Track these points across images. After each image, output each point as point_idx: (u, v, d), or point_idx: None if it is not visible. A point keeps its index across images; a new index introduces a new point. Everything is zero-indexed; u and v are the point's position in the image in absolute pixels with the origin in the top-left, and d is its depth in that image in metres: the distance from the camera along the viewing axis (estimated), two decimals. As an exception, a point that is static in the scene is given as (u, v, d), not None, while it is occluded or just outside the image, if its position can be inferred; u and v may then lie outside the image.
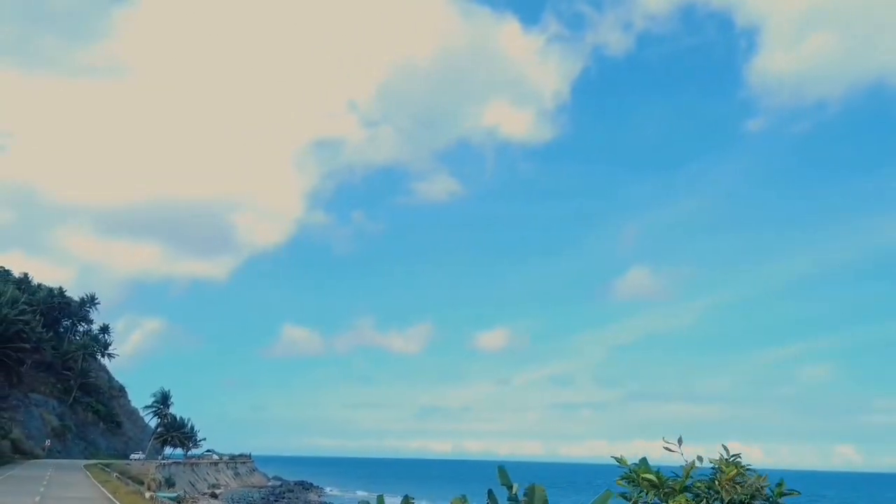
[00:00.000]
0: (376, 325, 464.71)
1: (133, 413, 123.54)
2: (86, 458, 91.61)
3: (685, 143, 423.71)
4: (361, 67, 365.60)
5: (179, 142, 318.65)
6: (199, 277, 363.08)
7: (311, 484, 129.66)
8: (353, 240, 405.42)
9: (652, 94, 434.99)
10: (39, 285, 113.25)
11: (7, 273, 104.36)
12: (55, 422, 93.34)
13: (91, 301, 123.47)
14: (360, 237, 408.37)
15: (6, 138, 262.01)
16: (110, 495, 31.91)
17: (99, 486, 39.73)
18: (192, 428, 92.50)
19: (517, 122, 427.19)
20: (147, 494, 28.05)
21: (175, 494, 65.48)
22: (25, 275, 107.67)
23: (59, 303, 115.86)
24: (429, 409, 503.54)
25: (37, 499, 28.56)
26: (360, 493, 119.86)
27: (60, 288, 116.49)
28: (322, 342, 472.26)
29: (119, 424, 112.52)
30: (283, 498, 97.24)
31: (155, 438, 79.71)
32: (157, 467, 77.81)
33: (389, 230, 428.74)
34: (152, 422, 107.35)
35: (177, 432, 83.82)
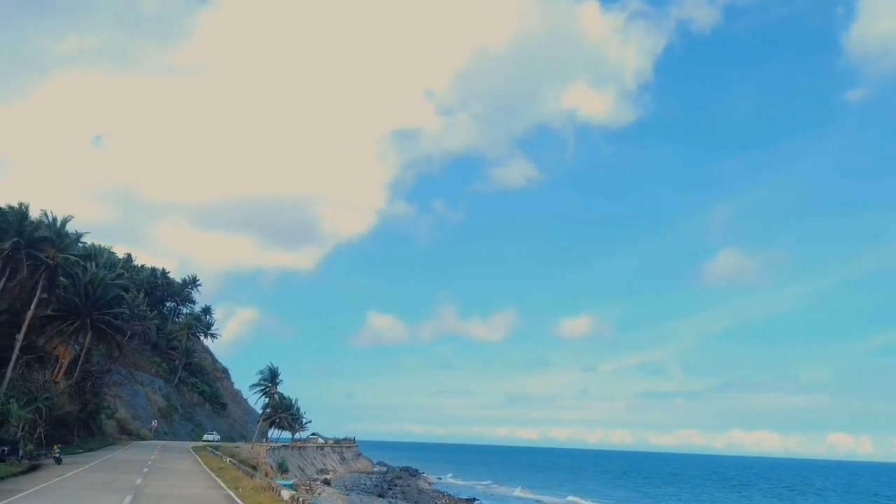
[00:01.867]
0: (459, 313, 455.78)
1: (236, 395, 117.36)
2: (192, 439, 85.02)
3: (778, 118, 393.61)
4: (437, 55, 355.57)
5: (265, 138, 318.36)
6: (287, 268, 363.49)
7: (417, 470, 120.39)
8: (433, 228, 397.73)
9: (741, 69, 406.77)
10: (142, 266, 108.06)
11: (111, 253, 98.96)
12: (161, 402, 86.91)
13: (193, 282, 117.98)
14: (440, 226, 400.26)
15: (105, 139, 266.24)
16: (231, 492, 21.63)
17: (212, 475, 29.96)
18: (299, 410, 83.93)
19: (597, 104, 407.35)
20: (286, 495, 17.41)
21: (290, 482, 56.42)
22: (129, 255, 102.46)
23: (162, 283, 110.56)
24: (514, 396, 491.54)
25: (128, 499, 18.40)
26: (473, 482, 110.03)
27: (163, 269, 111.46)
28: (406, 330, 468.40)
29: (224, 406, 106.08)
30: (395, 486, 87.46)
31: (263, 420, 71.29)
32: (267, 451, 69.53)
33: (469, 218, 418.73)
34: (257, 405, 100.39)
35: (285, 413, 75.28)
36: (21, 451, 35.02)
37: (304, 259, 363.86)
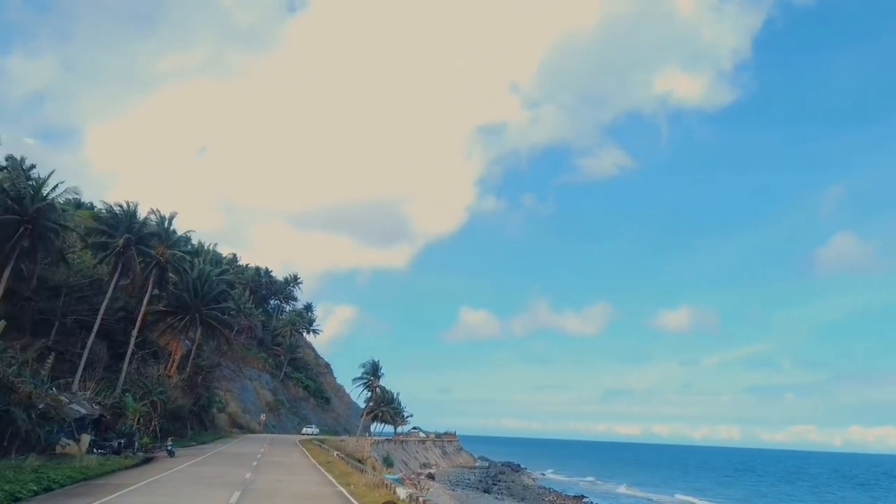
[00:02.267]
0: (552, 307, 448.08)
1: (339, 390, 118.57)
2: (299, 433, 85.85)
3: (889, 92, 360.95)
4: (521, 47, 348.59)
5: (356, 141, 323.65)
6: (381, 267, 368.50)
7: (519, 465, 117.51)
8: (523, 222, 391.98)
9: (847, 42, 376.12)
10: (247, 265, 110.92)
11: (215, 251, 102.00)
12: (269, 396, 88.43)
13: (294, 280, 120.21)
14: (530, 219, 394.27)
15: (209, 148, 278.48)
16: (343, 489, 19.70)
17: (321, 469, 28.42)
18: (400, 404, 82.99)
19: (691, 87, 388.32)
20: (403, 493, 15.13)
21: (397, 476, 54.93)
22: (234, 255, 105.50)
23: (266, 281, 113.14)
24: (613, 390, 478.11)
25: (235, 496, 16.70)
26: (575, 478, 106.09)
27: (266, 268, 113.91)
28: (499, 325, 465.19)
29: (328, 400, 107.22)
30: (499, 481, 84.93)
31: (367, 414, 70.68)
32: (371, 445, 68.85)
33: (559, 210, 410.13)
34: (359, 399, 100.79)
35: (387, 407, 74.42)
36: (137, 444, 35.06)
37: (396, 257, 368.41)
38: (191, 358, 54.01)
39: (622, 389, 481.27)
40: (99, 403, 35.78)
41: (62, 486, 17.57)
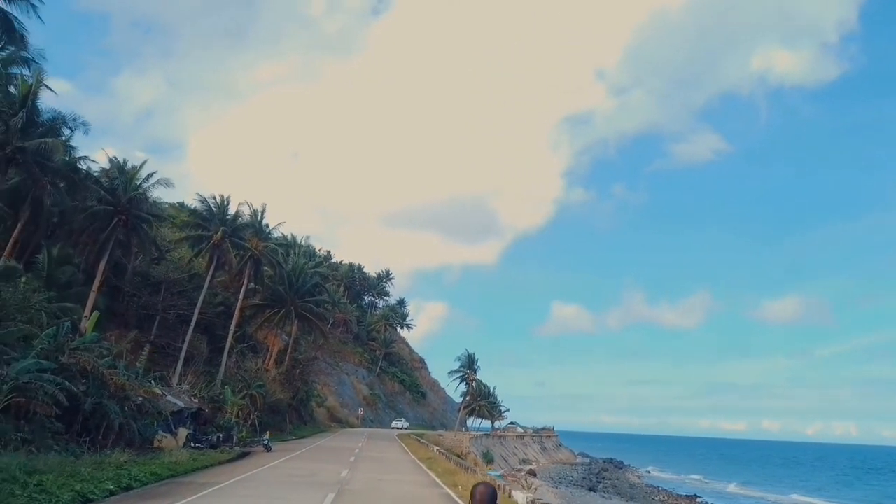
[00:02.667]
0: (647, 299, 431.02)
1: (434, 384, 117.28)
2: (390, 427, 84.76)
3: None
4: (606, 31, 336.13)
5: (440, 137, 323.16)
6: (470, 263, 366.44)
7: (622, 462, 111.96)
8: (614, 213, 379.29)
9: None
10: (340, 262, 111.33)
11: (310, 247, 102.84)
12: (366, 390, 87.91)
13: (386, 276, 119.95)
14: (621, 209, 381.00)
15: (301, 153, 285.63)
16: (450, 490, 16.98)
17: (423, 466, 25.92)
18: (496, 398, 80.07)
19: (792, 63, 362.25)
20: (522, 499, 12.05)
21: (499, 473, 52.14)
22: (328, 252, 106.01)
23: (359, 278, 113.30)
24: (715, 385, 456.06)
25: (329, 498, 14.26)
26: (681, 476, 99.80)
27: (359, 264, 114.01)
28: (592, 319, 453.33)
29: (423, 394, 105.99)
30: (603, 479, 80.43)
31: (463, 408, 68.28)
32: (470, 440, 66.42)
33: (652, 199, 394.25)
34: (455, 393, 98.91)
35: (483, 401, 71.73)
36: (235, 438, 33.99)
37: (485, 253, 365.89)
38: (288, 352, 53.37)
39: (725, 383, 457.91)
40: (197, 397, 35.01)
41: (144, 484, 15.83)
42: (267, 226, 46.90)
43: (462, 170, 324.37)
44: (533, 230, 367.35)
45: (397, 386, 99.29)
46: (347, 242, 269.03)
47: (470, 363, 65.07)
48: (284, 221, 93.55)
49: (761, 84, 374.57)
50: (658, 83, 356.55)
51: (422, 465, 27.10)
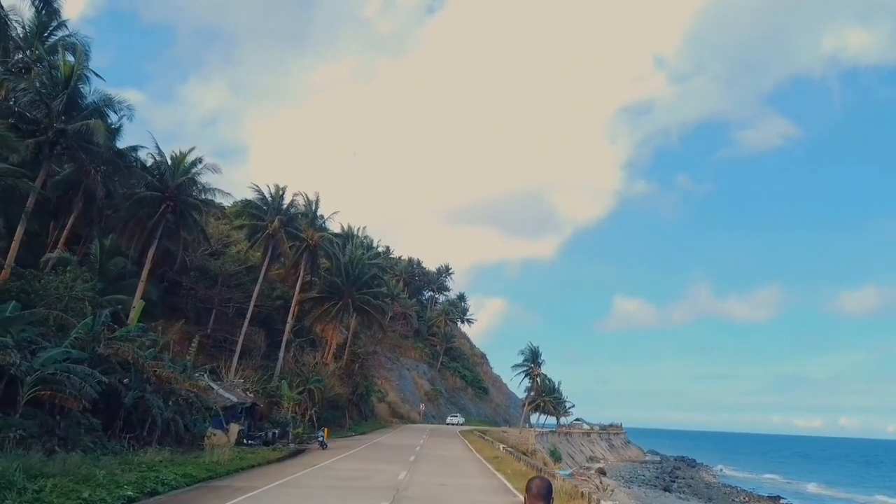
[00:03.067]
0: (714, 292, 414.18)
1: (496, 380, 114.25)
2: (458, 423, 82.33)
3: None
4: (665, 16, 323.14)
5: (496, 132, 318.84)
6: (529, 257, 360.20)
7: (694, 460, 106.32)
8: (678, 204, 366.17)
9: None
10: (400, 257, 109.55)
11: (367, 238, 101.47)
12: (427, 386, 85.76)
13: (446, 271, 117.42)
14: (685, 200, 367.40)
15: (360, 152, 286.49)
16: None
17: (489, 467, 23.14)
18: (561, 393, 76.49)
19: (868, 42, 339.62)
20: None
21: (568, 472, 48.89)
22: (387, 247, 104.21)
23: (419, 272, 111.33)
24: (788, 380, 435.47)
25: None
26: (756, 475, 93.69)
27: (418, 259, 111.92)
28: (656, 313, 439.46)
29: (486, 390, 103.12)
30: (677, 478, 75.82)
31: (528, 404, 65.17)
32: (536, 437, 63.31)
33: (717, 188, 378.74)
34: (518, 389, 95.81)
35: (548, 397, 68.38)
36: (290, 435, 32.13)
37: (544, 247, 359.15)
38: (347, 346, 51.61)
39: (798, 378, 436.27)
40: (252, 391, 33.29)
41: (173, 488, 13.67)
42: (322, 216, 45.09)
43: (519, 164, 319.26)
44: (593, 223, 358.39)
45: (459, 381, 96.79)
46: (405, 240, 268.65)
47: (534, 357, 61.78)
48: (338, 211, 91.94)
49: (833, 65, 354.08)
50: (722, 68, 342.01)
51: (489, 465, 24.35)
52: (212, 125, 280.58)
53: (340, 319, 48.72)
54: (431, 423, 71.92)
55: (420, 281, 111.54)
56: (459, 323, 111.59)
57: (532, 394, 64.52)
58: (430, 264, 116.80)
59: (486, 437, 45.42)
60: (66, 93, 25.51)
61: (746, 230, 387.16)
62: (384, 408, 66.91)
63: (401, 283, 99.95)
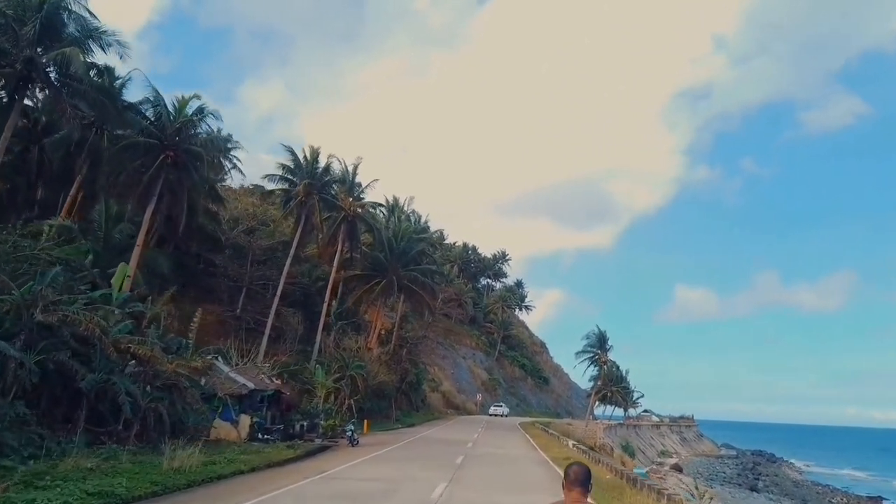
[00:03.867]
0: (781, 280, 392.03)
1: (557, 370, 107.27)
2: (518, 414, 76.20)
3: None
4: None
5: (551, 122, 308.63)
6: (584, 248, 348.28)
7: (773, 455, 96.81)
8: (742, 189, 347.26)
9: None
10: (454, 243, 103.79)
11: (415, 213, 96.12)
12: (484, 375, 79.88)
13: (503, 257, 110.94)
14: (750, 185, 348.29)
15: (407, 144, 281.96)
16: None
17: (560, 472, 16.78)
18: (629, 383, 69.19)
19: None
20: None
21: (644, 470, 42.00)
22: (441, 231, 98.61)
23: (474, 259, 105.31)
24: (859, 372, 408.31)
25: None
26: (844, 471, 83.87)
27: (473, 245, 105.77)
28: (718, 303, 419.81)
29: (546, 380, 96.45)
30: (760, 475, 67.60)
31: (595, 393, 58.40)
32: (604, 430, 56.61)
33: (784, 172, 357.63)
34: (581, 378, 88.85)
35: (616, 386, 61.36)
36: (319, 428, 26.82)
37: (600, 237, 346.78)
38: (395, 330, 46.25)
39: (871, 371, 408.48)
40: (277, 377, 28.16)
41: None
42: (360, 184, 39.55)
43: (573, 154, 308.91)
44: (652, 212, 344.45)
45: (517, 371, 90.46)
46: (459, 232, 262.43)
47: (601, 343, 54.89)
48: (378, 179, 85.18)
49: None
50: (786, 49, 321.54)
51: (559, 469, 18.28)
52: (268, 124, 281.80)
53: (385, 300, 43.32)
54: (488, 416, 66.29)
55: (475, 267, 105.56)
56: (517, 310, 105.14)
57: (598, 383, 57.68)
58: (486, 253, 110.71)
59: (549, 431, 39.23)
60: (40, 18, 20.77)
61: (814, 214, 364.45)
62: (437, 398, 61.52)
63: (455, 269, 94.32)
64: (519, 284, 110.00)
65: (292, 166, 35.99)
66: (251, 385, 24.44)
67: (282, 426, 24.83)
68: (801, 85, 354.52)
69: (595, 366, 54.90)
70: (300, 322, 39.97)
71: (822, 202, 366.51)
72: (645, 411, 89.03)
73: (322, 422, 27.01)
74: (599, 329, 54.38)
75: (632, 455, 50.43)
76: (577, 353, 53.66)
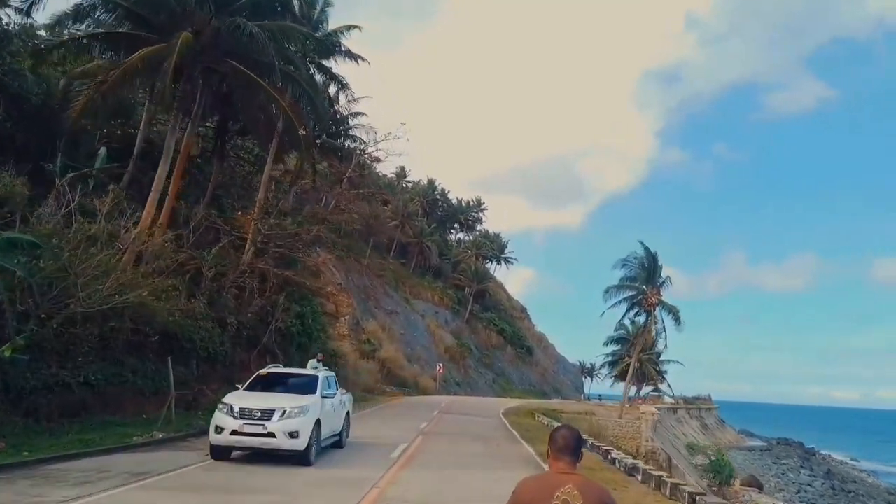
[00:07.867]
0: (748, 261, 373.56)
1: (541, 339, 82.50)
2: (495, 394, 51.53)
3: None
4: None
5: (524, 101, 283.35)
6: (555, 227, 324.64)
7: (802, 444, 73.60)
8: (712, 171, 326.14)
9: None
10: (419, 180, 77.89)
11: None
12: (449, 339, 54.67)
13: (478, 205, 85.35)
14: (720, 167, 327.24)
15: (378, 118, 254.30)
16: None
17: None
18: (659, 355, 44.19)
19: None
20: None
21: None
22: (402, 168, 72.59)
23: (442, 202, 79.62)
24: (825, 352, 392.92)
25: None
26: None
27: (443, 188, 79.70)
28: (688, 284, 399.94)
29: (530, 350, 71.46)
30: (850, 492, 43.31)
31: (632, 362, 33.11)
32: (651, 423, 31.94)
33: (754, 155, 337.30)
34: (570, 349, 63.97)
35: (649, 353, 36.50)
36: None
37: (570, 216, 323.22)
38: (212, 182, 20.51)
39: (836, 350, 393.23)
40: None
41: None
42: None
43: (546, 135, 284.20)
44: (623, 192, 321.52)
45: (494, 337, 65.42)
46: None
47: (649, 273, 27.60)
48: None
49: (879, 26, 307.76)
50: (759, 31, 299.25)
51: None
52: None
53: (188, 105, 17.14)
54: (452, 395, 41.18)
55: (444, 212, 79.96)
56: (496, 264, 79.76)
57: (633, 347, 32.75)
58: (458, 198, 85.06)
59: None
60: None
61: (780, 196, 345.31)
62: (371, 367, 36.08)
63: (418, 208, 68.98)
64: (498, 236, 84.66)
65: None
66: None
67: None
68: (771, 68, 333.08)
69: (638, 312, 29.20)
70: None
71: (784, 187, 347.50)
72: (653, 391, 65.08)
73: None
74: (648, 250, 28.17)
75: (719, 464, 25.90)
76: (606, 290, 28.12)
